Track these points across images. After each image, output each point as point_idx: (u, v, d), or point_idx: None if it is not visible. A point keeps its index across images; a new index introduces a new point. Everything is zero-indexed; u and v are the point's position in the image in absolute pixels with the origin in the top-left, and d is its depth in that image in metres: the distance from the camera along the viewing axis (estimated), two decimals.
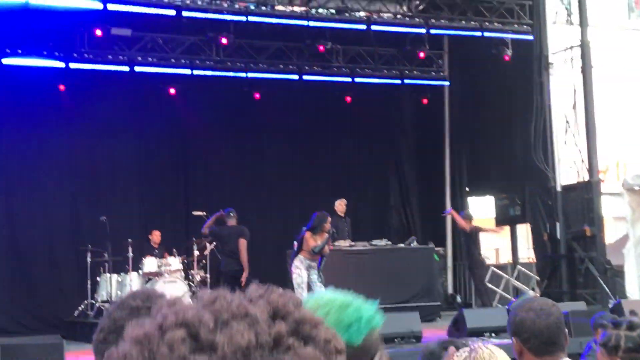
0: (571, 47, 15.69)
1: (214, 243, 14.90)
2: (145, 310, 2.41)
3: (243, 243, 13.96)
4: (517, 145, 16.41)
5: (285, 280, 12.71)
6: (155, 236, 15.15)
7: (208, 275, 14.83)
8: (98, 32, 14.86)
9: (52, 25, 14.76)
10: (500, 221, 17.18)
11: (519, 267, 17.13)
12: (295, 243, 12.82)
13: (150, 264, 14.27)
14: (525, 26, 15.95)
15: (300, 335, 0.96)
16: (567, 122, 15.66)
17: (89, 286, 14.63)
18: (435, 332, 11.92)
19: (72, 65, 15.39)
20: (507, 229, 17.65)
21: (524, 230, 17.17)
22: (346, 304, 1.93)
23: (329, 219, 12.72)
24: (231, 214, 14.08)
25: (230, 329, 0.93)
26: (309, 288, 12.48)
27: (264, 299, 0.99)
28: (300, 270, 12.35)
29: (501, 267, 17.25)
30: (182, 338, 0.93)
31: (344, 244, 15.05)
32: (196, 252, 14.71)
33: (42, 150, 15.98)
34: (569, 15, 15.79)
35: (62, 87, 15.87)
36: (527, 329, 3.35)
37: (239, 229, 14.09)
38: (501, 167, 17.26)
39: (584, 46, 15.33)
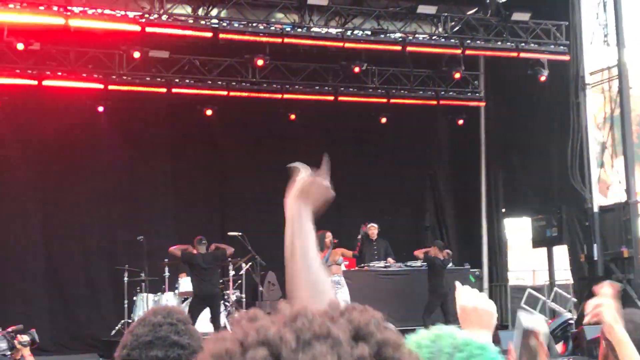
0: (608, 68, 15.59)
1: (250, 263, 14.98)
2: (167, 326, 2.44)
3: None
4: (553, 166, 16.30)
5: None
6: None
7: (244, 295, 14.89)
8: (136, 54, 15.06)
9: (91, 47, 15.00)
10: (537, 242, 17.04)
11: (556, 288, 16.97)
12: None
13: (186, 283, 14.35)
14: (561, 47, 15.88)
15: (383, 358, 0.94)
16: (604, 142, 15.54)
17: (125, 306, 14.75)
18: None
19: (111, 87, 15.60)
20: (544, 250, 17.50)
21: (561, 252, 17.01)
22: (482, 347, 1.84)
23: (328, 233, 12.95)
24: (203, 242, 13.92)
25: (313, 350, 0.90)
26: None
27: (345, 318, 0.96)
28: None
29: (538, 289, 17.10)
30: (264, 358, 0.90)
31: (378, 264, 15.06)
32: (232, 272, 14.78)
33: (80, 171, 16.17)
34: (605, 35, 15.70)
35: (100, 109, 16.09)
36: None
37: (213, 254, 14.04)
38: (538, 188, 17.14)
39: (620, 66, 15.23)
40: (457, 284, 2.64)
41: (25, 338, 6.48)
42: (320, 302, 1.73)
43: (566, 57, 15.76)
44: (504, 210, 18.73)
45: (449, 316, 13.23)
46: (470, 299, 2.47)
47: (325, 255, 13.07)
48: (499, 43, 15.88)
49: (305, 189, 2.07)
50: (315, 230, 1.96)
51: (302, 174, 2.11)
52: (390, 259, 15.87)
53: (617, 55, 15.27)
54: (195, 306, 13.19)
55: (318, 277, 1.89)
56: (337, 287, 13.04)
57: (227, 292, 14.69)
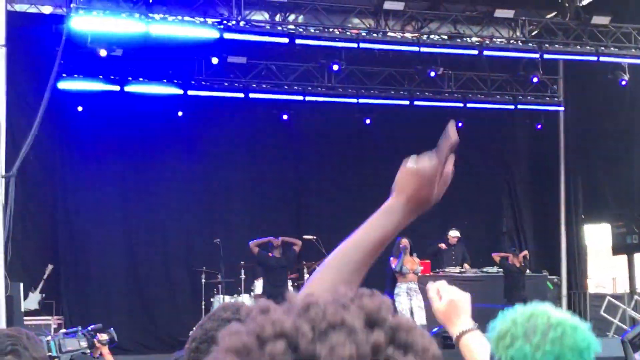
0: None
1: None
2: (236, 320, 2.52)
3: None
4: (634, 171, 15.97)
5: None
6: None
7: None
8: (215, 60, 15.31)
9: (171, 53, 15.32)
10: (618, 249, 16.71)
11: (636, 297, 16.60)
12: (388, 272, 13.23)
13: (261, 286, 14.50)
14: None
15: (398, 343, 0.93)
16: None
17: (202, 307, 14.98)
18: None
19: (190, 92, 15.90)
20: (624, 257, 17.14)
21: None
22: (575, 327, 1.88)
23: (402, 239, 13.05)
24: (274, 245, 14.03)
25: (330, 340, 0.91)
26: (412, 313, 12.76)
27: (356, 304, 0.96)
28: (400, 297, 12.83)
29: (618, 297, 16.75)
30: (283, 350, 0.91)
31: (454, 270, 14.99)
32: (307, 275, 14.87)
33: (159, 174, 16.51)
34: None
35: (180, 113, 16.40)
36: None
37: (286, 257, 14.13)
38: (618, 194, 16.81)
39: None
40: (428, 286, 2.70)
41: (104, 337, 6.65)
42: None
43: None
44: (583, 216, 18.41)
45: None
46: (443, 298, 2.55)
47: (397, 262, 13.09)
48: (578, 47, 15.63)
49: (398, 183, 1.89)
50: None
51: (409, 163, 1.91)
52: (466, 265, 15.78)
53: None
54: None
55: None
56: (414, 294, 13.10)
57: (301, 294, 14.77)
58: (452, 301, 2.61)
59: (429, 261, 15.14)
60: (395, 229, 1.80)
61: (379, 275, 15.87)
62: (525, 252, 15.26)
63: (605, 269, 18.42)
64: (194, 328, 2.62)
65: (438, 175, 1.85)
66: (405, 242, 13.17)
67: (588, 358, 1.85)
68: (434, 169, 1.84)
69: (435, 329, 12.12)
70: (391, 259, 13.29)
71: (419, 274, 13.53)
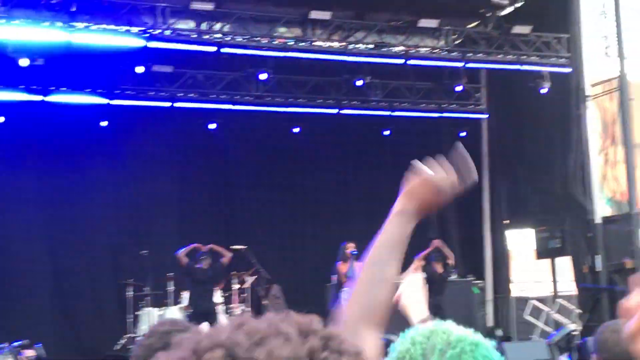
0: (609, 80, 15.66)
1: (254, 277, 15.04)
2: (175, 332, 2.52)
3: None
4: (556, 177, 16.33)
5: (325, 315, 12.77)
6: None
7: (249, 309, 14.92)
8: (140, 69, 15.15)
9: (95, 62, 15.10)
10: (541, 254, 17.07)
11: (559, 300, 16.97)
12: (334, 277, 13.16)
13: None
14: (562, 59, 15.95)
15: (332, 349, 0.98)
16: (606, 153, 15.59)
17: (130, 320, 14.78)
18: None
19: (114, 102, 15.69)
20: (547, 261, 17.51)
21: (565, 263, 17.03)
22: (475, 343, 1.84)
23: (348, 244, 13.27)
24: (202, 257, 13.93)
25: (268, 345, 0.95)
26: None
27: (287, 321, 1.01)
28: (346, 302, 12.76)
29: (542, 300, 17.10)
30: (222, 357, 0.94)
31: None
32: (236, 286, 14.81)
33: (84, 185, 16.24)
34: (606, 47, 15.77)
35: (104, 123, 16.17)
36: (609, 350, 3.36)
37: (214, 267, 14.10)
38: (541, 200, 17.16)
39: (622, 78, 15.30)
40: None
41: (31, 353, 6.53)
42: (381, 296, 1.88)
43: (567, 70, 15.83)
44: (507, 221, 18.76)
45: None
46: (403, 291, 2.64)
47: (349, 267, 13.05)
48: (500, 56, 15.95)
49: (412, 189, 2.14)
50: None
51: (420, 172, 2.13)
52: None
53: (619, 66, 15.34)
54: (196, 322, 13.17)
55: (392, 274, 2.01)
56: None
57: (232, 305, 14.72)
58: (410, 292, 2.82)
59: None
60: (410, 230, 2.11)
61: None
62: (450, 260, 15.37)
63: (529, 273, 18.77)
64: (133, 347, 2.59)
65: (448, 188, 2.07)
66: (352, 246, 13.21)
67: None
68: (449, 183, 2.08)
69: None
70: (338, 263, 13.27)
71: None
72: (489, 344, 1.87)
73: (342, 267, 13.17)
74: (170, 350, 0.99)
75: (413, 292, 2.86)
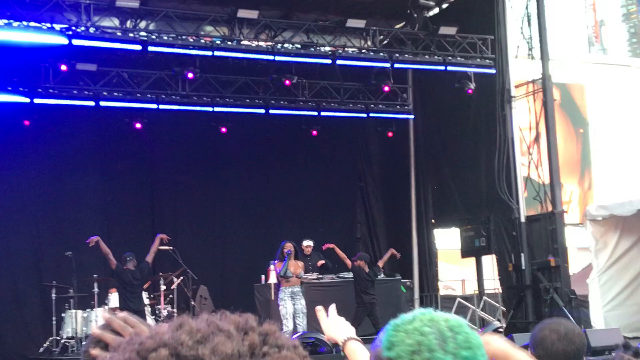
0: (533, 81, 15.96)
1: (181, 278, 14.89)
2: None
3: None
4: (481, 177, 16.57)
5: (253, 312, 12.72)
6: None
7: (175, 310, 14.76)
8: (63, 67, 14.84)
9: (17, 60, 14.74)
10: (466, 252, 17.31)
11: (484, 298, 17.24)
12: (263, 277, 13.23)
13: (115, 299, 14.16)
14: (487, 60, 16.19)
15: (271, 343, 1.02)
16: (530, 154, 15.89)
17: (54, 322, 14.48)
18: None
19: (37, 101, 15.32)
20: (472, 260, 17.77)
21: (490, 262, 17.30)
22: (464, 325, 1.83)
23: (286, 244, 13.29)
24: (128, 259, 13.83)
25: (211, 342, 0.97)
26: (295, 317, 12.97)
27: (227, 319, 1.04)
28: (284, 301, 13.00)
29: (467, 298, 17.35)
30: (167, 356, 0.95)
31: (311, 276, 15.11)
32: (163, 287, 14.64)
33: (5, 185, 15.86)
34: (530, 49, 16.08)
35: (27, 123, 15.79)
36: (545, 348, 3.39)
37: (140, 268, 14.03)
38: (466, 199, 17.40)
39: (545, 79, 15.62)
40: (317, 308, 3.18)
41: None
42: None
43: (492, 71, 16.08)
44: (433, 220, 18.97)
45: (378, 325, 13.35)
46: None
47: (282, 266, 13.11)
48: (427, 57, 16.11)
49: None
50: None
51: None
52: (320, 262, 15.91)
53: (542, 68, 15.66)
54: None
55: None
56: (297, 298, 13.21)
57: (159, 306, 14.54)
58: (334, 320, 3.05)
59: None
60: None
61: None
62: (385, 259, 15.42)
63: (454, 271, 19.04)
64: (80, 356, 2.52)
65: None
66: (289, 246, 13.24)
67: (483, 355, 1.81)
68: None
69: (298, 334, 12.23)
70: (275, 262, 13.29)
71: (302, 278, 13.61)
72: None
73: (277, 265, 13.24)
74: (112, 352, 1.00)
75: (330, 320, 3.10)
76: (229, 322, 1.03)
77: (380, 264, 15.09)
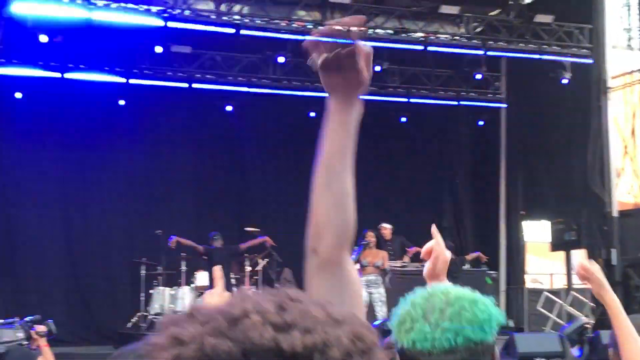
0: (631, 72, 15.50)
1: (267, 260, 15.05)
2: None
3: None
4: (574, 169, 16.22)
5: None
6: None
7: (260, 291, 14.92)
8: (158, 49, 15.11)
9: (113, 41, 15.08)
10: (556, 246, 16.97)
11: (573, 292, 16.88)
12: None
13: (202, 278, 14.41)
14: (584, 50, 15.79)
15: (333, 318, 0.95)
16: (626, 146, 15.46)
17: (142, 299, 14.82)
18: None
19: (132, 81, 15.66)
20: (562, 253, 17.42)
21: (580, 256, 16.93)
22: (474, 300, 1.85)
23: (367, 232, 13.37)
24: (215, 237, 14.10)
25: (293, 313, 0.92)
26: (370, 306, 13.05)
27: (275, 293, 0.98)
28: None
29: (555, 293, 17.02)
30: (261, 321, 0.90)
31: (395, 264, 15.06)
32: (248, 268, 14.81)
33: (100, 163, 16.26)
34: (629, 39, 15.60)
35: (121, 102, 16.17)
36: None
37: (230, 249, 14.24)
38: (558, 192, 17.06)
39: None
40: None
41: (42, 328, 6.52)
42: (347, 211, 1.72)
43: (589, 60, 15.68)
44: (522, 212, 18.66)
45: None
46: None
47: (355, 254, 13.12)
48: (521, 45, 15.81)
49: (325, 81, 1.88)
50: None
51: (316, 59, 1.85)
52: (408, 252, 15.82)
53: None
54: None
55: (349, 185, 1.79)
56: (374, 286, 13.30)
57: (244, 287, 14.73)
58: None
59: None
60: (354, 119, 1.88)
61: None
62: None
63: (543, 265, 18.69)
64: None
65: (353, 56, 1.84)
66: (369, 235, 13.35)
67: (490, 330, 1.81)
68: (341, 54, 1.83)
69: (377, 322, 12.19)
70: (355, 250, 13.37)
71: (381, 267, 13.67)
72: (488, 300, 1.88)
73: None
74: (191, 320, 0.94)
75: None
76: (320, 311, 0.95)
77: (467, 258, 15.02)
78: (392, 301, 13.14)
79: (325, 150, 1.81)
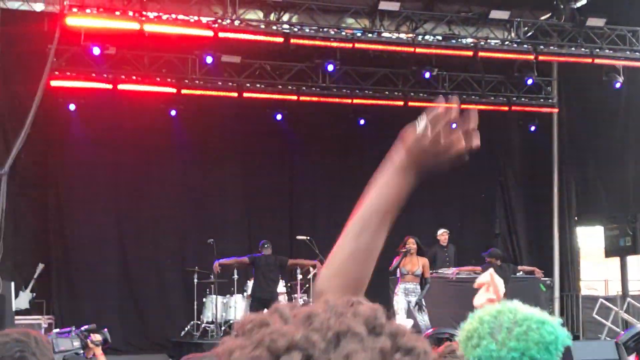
0: None
1: (316, 268, 15.05)
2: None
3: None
4: (629, 174, 15.97)
5: (387, 306, 12.77)
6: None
7: (311, 299, 14.93)
8: (209, 59, 15.24)
9: (165, 52, 15.26)
10: (610, 252, 16.71)
11: (629, 299, 16.60)
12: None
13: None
14: (637, 53, 15.55)
15: (401, 348, 0.95)
16: None
17: (195, 307, 14.92)
18: None
19: (184, 91, 15.82)
20: (617, 260, 17.14)
21: (636, 262, 16.65)
22: (542, 321, 1.87)
23: (409, 239, 13.17)
24: (265, 245, 14.20)
25: (343, 348, 0.92)
26: (409, 313, 12.92)
27: (353, 312, 0.97)
28: (397, 296, 12.99)
29: (610, 299, 16.74)
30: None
31: (448, 272, 14.96)
32: (299, 276, 14.83)
33: (153, 173, 16.43)
34: None
35: (173, 112, 16.33)
36: None
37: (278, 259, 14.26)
38: (612, 197, 16.81)
39: None
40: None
41: (98, 337, 6.60)
42: (365, 270, 1.68)
43: None
44: (576, 218, 18.41)
45: None
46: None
47: (395, 262, 13.11)
48: (573, 49, 15.63)
49: (410, 143, 1.85)
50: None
51: (421, 124, 1.85)
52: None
53: None
54: (255, 310, 13.30)
55: (379, 244, 1.74)
56: (412, 295, 13.19)
57: (295, 295, 14.75)
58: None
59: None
60: (407, 190, 1.81)
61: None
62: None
63: (598, 271, 18.43)
64: None
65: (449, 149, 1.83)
66: (410, 242, 13.16)
67: (555, 351, 1.83)
68: (450, 144, 1.88)
69: (431, 330, 12.12)
70: (396, 257, 13.26)
71: (420, 276, 13.43)
72: (556, 322, 1.88)
73: (395, 260, 13.18)
74: (237, 344, 0.95)
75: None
76: (358, 317, 0.96)
77: (520, 269, 14.85)
78: (444, 306, 13.08)
79: (370, 203, 1.77)
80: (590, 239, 18.24)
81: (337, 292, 1.67)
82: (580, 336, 16.67)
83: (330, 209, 17.27)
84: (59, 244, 15.92)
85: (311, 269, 15.00)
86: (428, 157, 1.84)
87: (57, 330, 6.88)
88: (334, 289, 1.69)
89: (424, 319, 13.01)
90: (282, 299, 14.39)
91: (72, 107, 15.78)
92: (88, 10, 12.92)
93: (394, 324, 0.98)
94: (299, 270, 14.87)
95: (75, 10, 12.76)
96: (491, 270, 2.80)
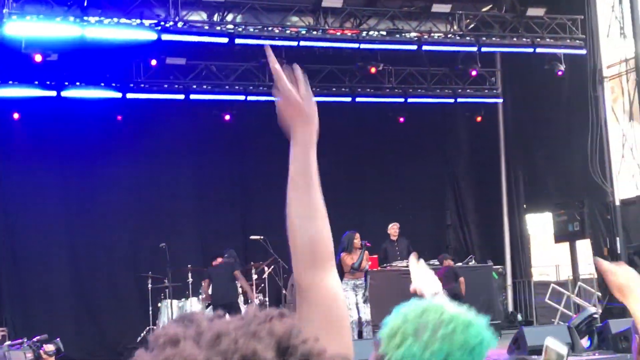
0: (626, 60, 15.51)
1: (272, 267, 15.07)
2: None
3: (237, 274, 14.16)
4: (574, 160, 16.22)
5: None
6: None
7: (267, 299, 14.93)
8: (153, 62, 15.13)
9: (108, 57, 15.11)
10: (560, 237, 16.98)
11: (579, 283, 16.88)
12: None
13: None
14: (577, 41, 15.82)
15: None
16: (624, 135, 15.46)
17: (150, 312, 14.83)
18: (496, 350, 11.81)
19: (129, 96, 15.70)
20: (567, 245, 17.42)
21: (584, 246, 16.93)
22: (468, 323, 1.83)
23: (357, 234, 13.24)
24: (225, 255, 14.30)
25: None
26: (357, 309, 13.02)
27: (267, 331, 0.95)
28: (347, 292, 12.90)
29: (561, 284, 17.01)
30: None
31: (401, 264, 15.05)
32: (254, 277, 14.82)
33: (101, 180, 16.27)
34: (622, 27, 15.62)
35: (119, 117, 16.19)
36: None
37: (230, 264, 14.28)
38: (559, 183, 17.07)
39: (638, 58, 15.15)
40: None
41: (50, 347, 6.55)
42: (314, 226, 1.75)
43: (583, 51, 15.69)
44: (525, 206, 18.67)
45: None
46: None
47: (358, 258, 13.15)
48: (515, 39, 15.84)
49: (285, 116, 2.04)
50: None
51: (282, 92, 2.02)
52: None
53: (634, 46, 15.19)
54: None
55: (316, 200, 1.88)
56: (360, 290, 13.26)
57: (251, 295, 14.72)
58: (424, 272, 2.87)
59: (376, 256, 15.17)
60: (312, 147, 2.04)
61: None
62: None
63: (548, 257, 18.70)
64: None
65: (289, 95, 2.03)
66: (359, 237, 13.24)
67: (479, 355, 1.80)
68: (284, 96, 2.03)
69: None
70: (343, 254, 13.17)
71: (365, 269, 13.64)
72: (482, 323, 1.86)
73: (347, 258, 13.16)
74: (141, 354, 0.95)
75: (421, 271, 2.90)
76: (271, 337, 0.94)
77: None
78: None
79: (290, 170, 1.97)
80: (539, 225, 18.51)
81: (311, 269, 1.75)
82: (533, 321, 16.93)
83: (282, 208, 17.23)
84: (8, 254, 15.68)
85: (265, 268, 14.99)
86: (288, 120, 2.07)
87: (9, 342, 6.80)
88: (307, 266, 1.76)
89: (366, 312, 13.18)
90: (239, 300, 14.36)
91: (15, 115, 15.57)
92: (28, 17, 12.73)
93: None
94: (253, 271, 14.85)
95: (14, 17, 12.55)
96: (416, 264, 2.88)
